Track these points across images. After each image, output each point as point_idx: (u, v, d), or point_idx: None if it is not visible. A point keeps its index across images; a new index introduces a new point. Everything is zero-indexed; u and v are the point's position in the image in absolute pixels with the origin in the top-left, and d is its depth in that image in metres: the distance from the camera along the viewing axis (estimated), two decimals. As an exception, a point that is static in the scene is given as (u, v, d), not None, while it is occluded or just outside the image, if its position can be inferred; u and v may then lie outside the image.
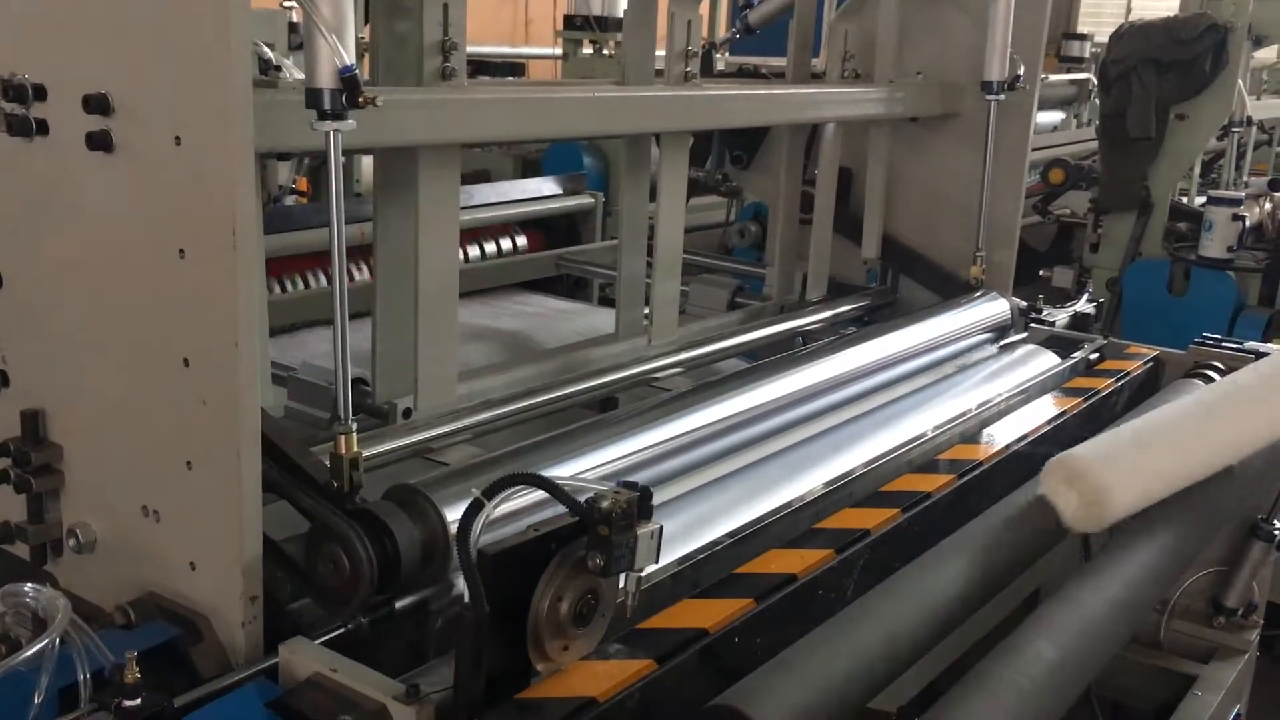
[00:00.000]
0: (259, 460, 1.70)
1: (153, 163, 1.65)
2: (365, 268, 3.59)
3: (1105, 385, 3.03)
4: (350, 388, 1.79)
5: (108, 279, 1.77)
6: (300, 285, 3.68)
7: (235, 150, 1.57)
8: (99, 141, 1.68)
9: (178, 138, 1.61)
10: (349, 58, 1.68)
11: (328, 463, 1.80)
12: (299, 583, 1.81)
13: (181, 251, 1.65)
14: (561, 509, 1.56)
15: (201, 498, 1.72)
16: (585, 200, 4.61)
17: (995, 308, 3.37)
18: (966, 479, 2.41)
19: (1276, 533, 3.13)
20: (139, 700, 1.49)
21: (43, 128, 1.76)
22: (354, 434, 1.79)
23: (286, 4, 6.51)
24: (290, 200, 5.03)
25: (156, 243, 1.67)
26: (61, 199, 1.80)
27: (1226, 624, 3.18)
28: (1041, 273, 5.79)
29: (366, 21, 2.63)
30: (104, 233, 1.75)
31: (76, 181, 1.75)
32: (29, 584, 1.61)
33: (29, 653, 1.48)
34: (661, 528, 1.55)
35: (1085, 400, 2.91)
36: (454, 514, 1.77)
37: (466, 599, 1.50)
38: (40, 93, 1.75)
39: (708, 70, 3.80)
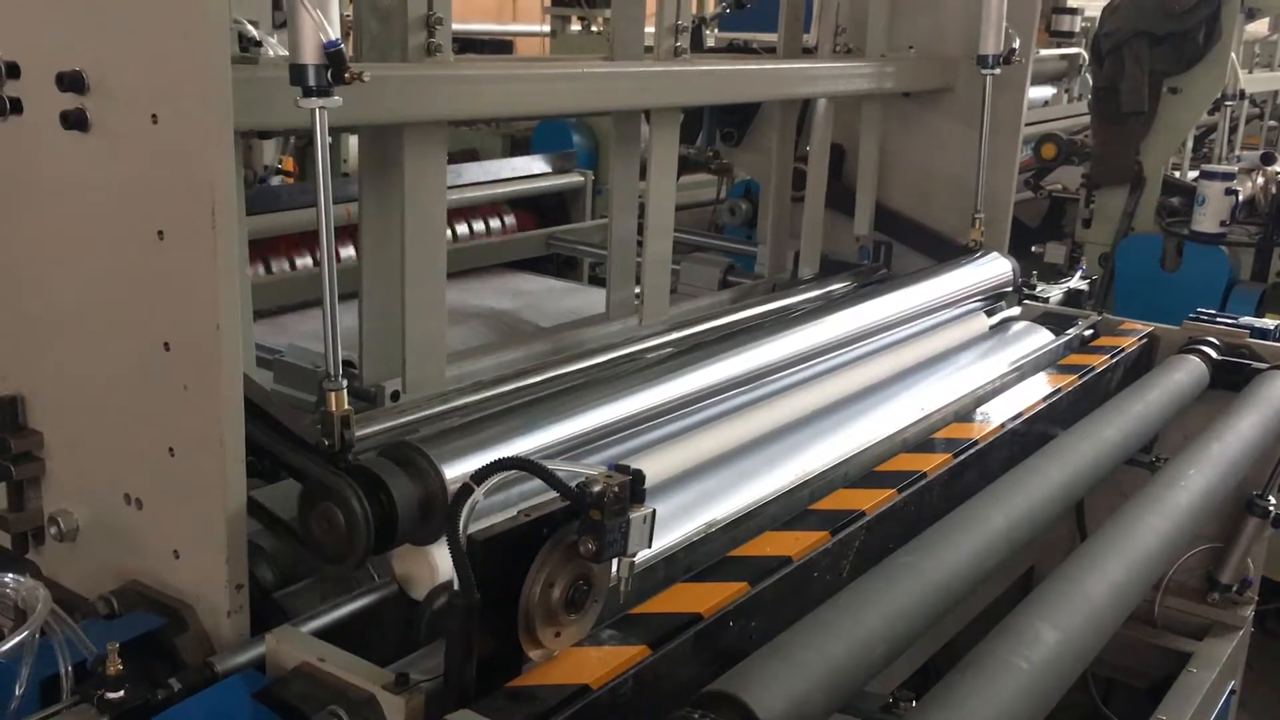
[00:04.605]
0: (243, 446, 1.66)
1: (129, 142, 1.61)
2: (354, 247, 3.54)
3: (1100, 362, 3.01)
4: (340, 351, 1.75)
5: (85, 261, 1.73)
6: (288, 267, 3.63)
7: (213, 128, 1.53)
8: (74, 120, 1.64)
9: (154, 115, 1.57)
10: (334, 32, 1.64)
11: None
12: (295, 546, 1.78)
13: (160, 233, 1.61)
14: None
15: (184, 485, 1.69)
16: (574, 179, 4.56)
17: (997, 267, 3.32)
18: (962, 458, 2.38)
19: (1272, 509, 3.12)
20: (122, 692, 1.47)
21: (15, 106, 1.72)
22: (344, 390, 1.76)
23: (269, -20, 6.43)
24: (276, 181, 4.98)
25: (134, 224, 1.64)
26: (36, 180, 1.76)
27: (1221, 600, 3.18)
28: (1034, 248, 5.77)
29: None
30: (80, 214, 1.71)
31: (51, 162, 1.71)
32: (9, 574, 1.57)
33: (9, 645, 1.45)
34: (654, 511, 1.52)
35: (1080, 377, 2.89)
36: (452, 472, 1.75)
37: (456, 586, 1.47)
38: (12, 70, 1.71)
39: (697, 45, 3.75)
